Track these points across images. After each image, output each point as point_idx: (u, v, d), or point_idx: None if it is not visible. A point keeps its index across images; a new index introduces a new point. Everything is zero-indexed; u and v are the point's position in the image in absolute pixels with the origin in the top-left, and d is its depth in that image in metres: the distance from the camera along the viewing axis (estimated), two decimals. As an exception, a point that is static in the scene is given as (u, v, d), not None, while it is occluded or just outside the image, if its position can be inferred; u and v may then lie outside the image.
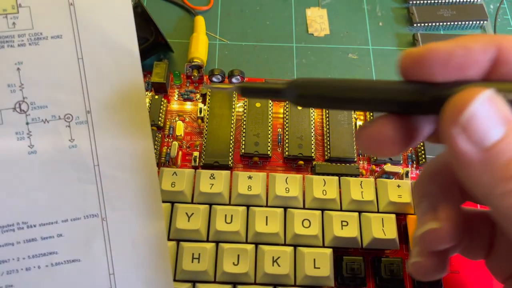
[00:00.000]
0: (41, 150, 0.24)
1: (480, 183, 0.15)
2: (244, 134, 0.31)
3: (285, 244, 0.28)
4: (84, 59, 0.25)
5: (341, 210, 0.29)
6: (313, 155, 0.31)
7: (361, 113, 0.33)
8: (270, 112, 0.32)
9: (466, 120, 0.15)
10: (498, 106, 0.15)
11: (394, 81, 0.18)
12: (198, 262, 0.26)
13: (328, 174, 0.30)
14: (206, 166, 0.31)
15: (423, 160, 0.31)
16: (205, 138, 0.31)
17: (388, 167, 0.30)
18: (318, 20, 0.40)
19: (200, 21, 0.38)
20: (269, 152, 0.31)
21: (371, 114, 0.32)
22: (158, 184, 0.26)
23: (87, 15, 0.25)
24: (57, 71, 0.24)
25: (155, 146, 0.31)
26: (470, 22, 0.39)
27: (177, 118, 0.33)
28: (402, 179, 0.31)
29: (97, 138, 0.25)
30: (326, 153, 0.31)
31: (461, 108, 0.15)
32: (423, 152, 0.31)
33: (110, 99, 0.25)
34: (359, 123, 0.33)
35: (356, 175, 0.30)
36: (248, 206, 0.29)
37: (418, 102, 0.17)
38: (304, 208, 0.29)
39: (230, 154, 0.31)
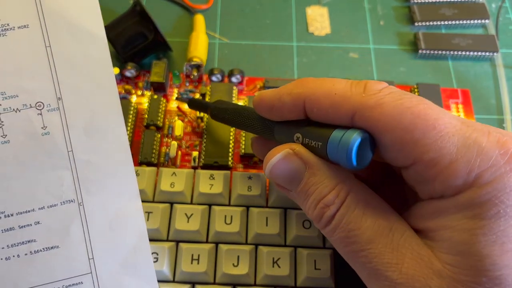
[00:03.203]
0: (14, 139, 0.24)
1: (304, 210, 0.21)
2: (244, 134, 0.31)
3: (285, 245, 0.28)
4: (52, 47, 0.25)
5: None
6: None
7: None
8: (270, 112, 0.32)
9: (268, 174, 0.21)
10: (291, 161, 0.20)
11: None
12: (198, 263, 0.26)
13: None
14: (205, 166, 0.30)
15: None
16: (205, 138, 0.31)
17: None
18: (318, 19, 0.39)
19: (199, 19, 0.38)
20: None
21: None
22: (132, 165, 0.26)
23: (53, 4, 0.25)
24: (26, 60, 0.25)
25: (154, 146, 0.31)
26: (472, 21, 0.39)
27: (176, 118, 0.33)
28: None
29: (69, 124, 0.25)
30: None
31: (264, 166, 0.21)
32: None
33: (80, 84, 0.25)
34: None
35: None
36: (248, 207, 0.28)
37: (268, 133, 0.23)
38: (304, 208, 0.29)
39: (230, 154, 0.30)
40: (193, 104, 0.30)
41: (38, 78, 0.25)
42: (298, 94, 0.20)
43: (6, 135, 0.24)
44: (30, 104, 0.25)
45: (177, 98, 0.33)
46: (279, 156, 0.20)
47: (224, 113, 0.26)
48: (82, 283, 0.25)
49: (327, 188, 0.19)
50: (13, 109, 0.25)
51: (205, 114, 0.32)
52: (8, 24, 0.25)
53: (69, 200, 0.25)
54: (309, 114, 0.20)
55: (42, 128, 0.25)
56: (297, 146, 0.20)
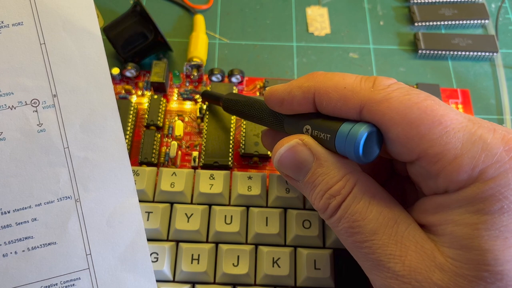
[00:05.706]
0: (10, 136, 0.25)
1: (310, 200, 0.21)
2: (244, 134, 0.31)
3: (285, 245, 0.28)
4: (47, 44, 0.25)
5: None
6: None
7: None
8: (270, 112, 0.32)
9: (277, 163, 0.21)
10: (299, 151, 0.20)
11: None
12: (198, 263, 0.26)
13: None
14: (205, 166, 0.30)
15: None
16: (205, 138, 0.31)
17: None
18: (318, 19, 0.39)
19: (199, 20, 0.38)
20: (269, 152, 0.31)
21: None
22: (129, 162, 0.26)
23: (47, 1, 0.25)
24: (21, 58, 0.25)
25: (154, 146, 0.31)
26: (472, 21, 0.39)
27: (176, 118, 0.33)
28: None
29: (65, 121, 0.25)
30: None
31: (273, 156, 0.21)
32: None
33: (75, 81, 0.26)
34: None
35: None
36: (248, 207, 0.28)
37: (278, 125, 0.23)
38: (304, 208, 0.29)
39: (230, 154, 0.30)
40: (206, 96, 0.31)
41: (33, 75, 0.25)
42: (308, 87, 0.20)
43: (2, 132, 0.25)
44: (25, 101, 0.25)
45: (193, 92, 0.34)
46: (288, 146, 0.20)
47: (236, 105, 0.27)
48: (80, 279, 0.25)
49: (334, 179, 0.19)
50: (9, 106, 0.25)
51: (205, 114, 0.32)
52: (2, 22, 0.25)
53: (65, 197, 0.25)
54: (319, 107, 0.20)
55: (37, 125, 0.25)
56: (306, 137, 0.20)
